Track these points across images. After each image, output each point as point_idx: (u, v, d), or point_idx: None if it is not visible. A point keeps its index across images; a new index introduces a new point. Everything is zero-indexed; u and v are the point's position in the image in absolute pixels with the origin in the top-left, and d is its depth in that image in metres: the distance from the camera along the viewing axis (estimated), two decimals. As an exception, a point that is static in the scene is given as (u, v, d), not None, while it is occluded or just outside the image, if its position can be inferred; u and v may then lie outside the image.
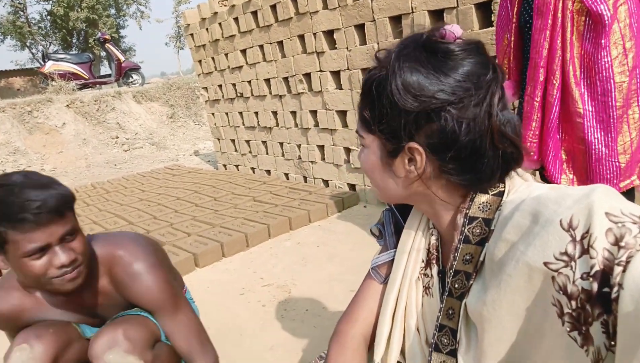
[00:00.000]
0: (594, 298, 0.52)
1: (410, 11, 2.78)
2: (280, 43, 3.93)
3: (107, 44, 11.50)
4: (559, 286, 0.55)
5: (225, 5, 4.55)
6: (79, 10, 21.72)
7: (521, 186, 0.69)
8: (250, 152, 4.95)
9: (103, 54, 17.92)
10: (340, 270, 2.50)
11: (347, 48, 3.31)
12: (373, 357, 0.89)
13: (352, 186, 3.71)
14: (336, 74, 3.51)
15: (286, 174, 4.48)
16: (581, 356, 0.54)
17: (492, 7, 2.38)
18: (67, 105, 8.62)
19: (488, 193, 0.70)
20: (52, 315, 1.19)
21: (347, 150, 3.63)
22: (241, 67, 4.53)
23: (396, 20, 2.93)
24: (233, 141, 5.19)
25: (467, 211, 0.71)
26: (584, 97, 1.40)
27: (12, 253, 1.00)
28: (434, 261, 0.81)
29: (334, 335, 0.93)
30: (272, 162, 4.62)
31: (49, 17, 22.97)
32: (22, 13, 22.16)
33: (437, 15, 2.71)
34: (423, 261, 0.83)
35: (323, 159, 3.93)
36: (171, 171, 5.66)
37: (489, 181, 0.69)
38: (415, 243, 0.84)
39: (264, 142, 4.67)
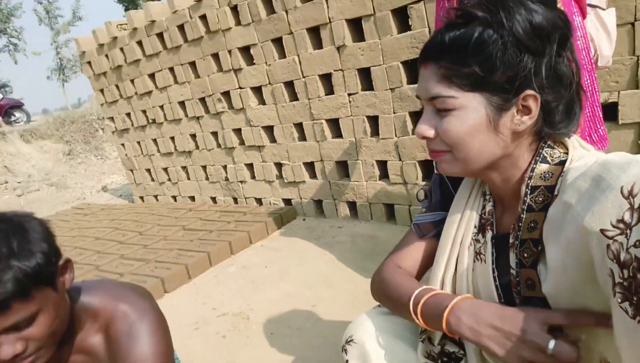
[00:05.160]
0: None
1: (328, 21, 2.82)
2: (193, 63, 3.79)
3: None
4: (613, 254, 0.55)
5: (124, 29, 4.30)
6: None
7: (585, 154, 0.70)
8: (169, 180, 4.68)
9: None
10: (294, 287, 2.43)
11: (266, 63, 3.27)
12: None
13: (288, 201, 3.65)
14: (257, 90, 3.45)
15: (213, 198, 4.31)
16: (633, 327, 0.53)
17: (408, 12, 2.49)
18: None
19: (549, 163, 0.72)
20: None
21: (278, 165, 3.57)
22: (150, 92, 4.29)
23: (314, 31, 2.96)
24: (148, 170, 4.88)
25: (529, 181, 0.72)
26: None
27: None
28: (488, 227, 0.81)
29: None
30: (196, 187, 4.41)
31: None
32: None
33: (355, 24, 2.78)
34: (475, 227, 0.83)
35: (253, 177, 3.83)
36: (81, 211, 5.17)
37: (564, 127, 0.72)
38: (467, 209, 0.84)
39: (183, 167, 4.45)
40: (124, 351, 0.96)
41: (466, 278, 0.82)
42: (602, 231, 0.56)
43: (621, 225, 0.54)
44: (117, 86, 4.64)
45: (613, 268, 0.55)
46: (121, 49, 4.31)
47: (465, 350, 0.88)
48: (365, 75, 2.82)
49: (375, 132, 2.91)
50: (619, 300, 0.54)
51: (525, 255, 0.71)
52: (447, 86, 0.69)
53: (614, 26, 1.44)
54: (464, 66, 0.68)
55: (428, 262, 0.95)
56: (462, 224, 0.84)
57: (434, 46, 0.72)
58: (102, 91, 4.86)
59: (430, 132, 0.74)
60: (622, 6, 1.90)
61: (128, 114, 4.72)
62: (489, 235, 0.80)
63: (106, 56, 4.51)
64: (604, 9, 1.38)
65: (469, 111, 0.69)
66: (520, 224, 0.72)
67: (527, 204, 0.72)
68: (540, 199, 0.70)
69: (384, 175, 2.99)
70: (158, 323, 1.01)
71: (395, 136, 2.77)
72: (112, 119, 4.97)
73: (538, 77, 0.67)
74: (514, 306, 0.76)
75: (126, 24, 4.23)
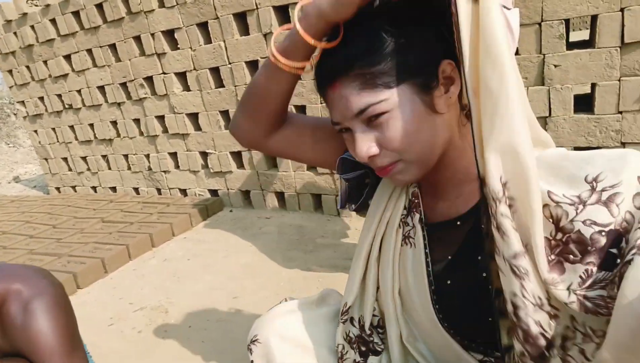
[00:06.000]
0: (590, 247, 0.52)
1: (255, 7, 2.76)
2: (113, 46, 3.56)
3: None
4: (551, 214, 0.56)
5: (36, 5, 3.96)
6: None
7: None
8: (88, 169, 4.40)
9: None
10: (218, 278, 2.37)
11: (191, 48, 3.15)
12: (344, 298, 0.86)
13: (214, 192, 3.55)
14: (182, 76, 3.31)
15: (136, 189, 4.10)
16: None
17: None
18: None
19: None
20: None
21: (204, 154, 3.46)
22: (66, 75, 3.99)
23: (241, 17, 2.88)
24: (65, 159, 4.55)
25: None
26: None
27: None
28: (414, 210, 0.78)
29: None
30: (117, 177, 4.17)
31: None
32: None
33: (282, 11, 2.74)
34: (405, 208, 0.79)
35: (177, 167, 3.68)
36: (-13, 204, 4.73)
37: None
38: (397, 188, 0.80)
39: (104, 156, 4.19)
40: (20, 330, 0.90)
41: (391, 262, 0.80)
42: (549, 192, 0.56)
43: (574, 199, 0.55)
44: (27, 68, 4.27)
45: (547, 223, 0.56)
46: (32, 27, 3.96)
47: (385, 345, 0.88)
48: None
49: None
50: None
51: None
52: (373, 92, 0.63)
53: (517, 26, 1.51)
54: (376, 64, 0.62)
55: (311, 136, 0.86)
56: (390, 203, 0.80)
57: (335, 64, 0.65)
58: (10, 72, 4.45)
59: (375, 149, 0.66)
60: (530, 7, 2.00)
61: (41, 98, 4.36)
62: (416, 218, 0.77)
63: (14, 33, 4.13)
64: (509, 9, 1.44)
65: (404, 105, 0.63)
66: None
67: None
68: None
69: (312, 165, 2.98)
70: (57, 298, 0.94)
71: (322, 126, 2.77)
72: (23, 103, 4.57)
73: (442, 43, 0.64)
74: (444, 295, 0.75)
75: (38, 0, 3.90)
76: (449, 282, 0.75)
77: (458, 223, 0.74)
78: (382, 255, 0.82)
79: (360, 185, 0.87)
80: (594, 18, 1.97)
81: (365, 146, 0.66)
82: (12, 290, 0.93)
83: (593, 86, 2.04)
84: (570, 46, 2.11)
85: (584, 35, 2.33)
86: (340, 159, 0.84)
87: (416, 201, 0.78)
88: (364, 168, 0.83)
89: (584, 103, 2.13)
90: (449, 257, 0.75)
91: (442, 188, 0.75)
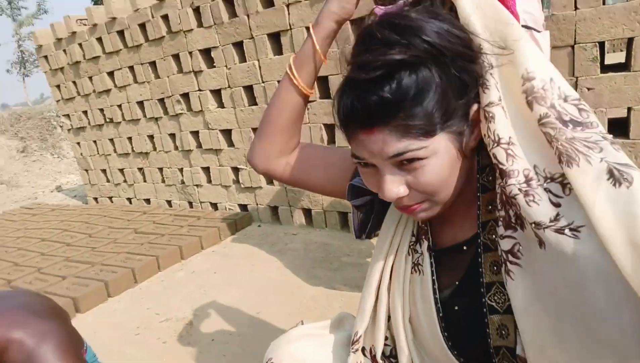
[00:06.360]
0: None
1: (289, 28, 2.83)
2: (153, 63, 3.72)
3: None
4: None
5: (84, 25, 4.18)
6: None
7: None
8: (125, 181, 4.56)
9: None
10: (242, 293, 2.39)
11: (226, 66, 3.25)
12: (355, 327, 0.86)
13: (244, 207, 3.61)
14: (217, 93, 3.42)
15: (168, 202, 4.22)
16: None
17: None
18: None
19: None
20: None
21: (235, 170, 3.54)
22: (109, 90, 4.18)
23: (275, 37, 2.96)
24: (104, 170, 4.74)
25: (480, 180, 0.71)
26: None
27: None
28: (423, 237, 0.78)
29: None
30: (152, 190, 4.31)
31: None
32: None
33: (315, 32, 2.79)
34: (413, 235, 0.79)
35: (209, 181, 3.78)
36: (29, 211, 4.96)
37: None
38: (405, 215, 0.80)
39: (140, 169, 4.34)
40: None
41: (402, 290, 0.79)
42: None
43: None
44: (74, 83, 4.50)
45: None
46: (80, 44, 4.20)
47: None
48: (323, 83, 2.83)
49: (332, 140, 2.92)
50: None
51: (497, 297, 0.68)
52: (412, 140, 0.59)
53: (547, 48, 1.49)
54: (418, 115, 0.59)
55: (321, 163, 0.90)
56: (399, 230, 0.80)
57: (372, 111, 0.59)
58: (58, 87, 4.70)
59: (403, 190, 0.64)
60: (563, 29, 1.98)
61: (85, 112, 4.58)
62: (424, 245, 0.77)
63: (64, 51, 4.38)
64: (539, 32, 1.44)
65: (441, 153, 0.61)
66: (480, 260, 0.70)
67: (481, 244, 0.71)
68: (493, 236, 0.70)
69: (340, 184, 2.99)
70: (63, 344, 0.89)
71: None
72: (68, 116, 4.82)
73: (472, 86, 0.63)
74: (453, 321, 0.75)
75: (86, 19, 4.12)
76: (456, 308, 0.74)
77: (464, 247, 0.73)
78: (392, 283, 0.81)
79: (369, 212, 0.88)
80: (630, 41, 1.92)
81: (396, 188, 0.64)
82: (13, 339, 0.87)
83: (629, 110, 1.98)
84: (605, 68, 2.07)
85: (621, 57, 2.27)
86: (349, 185, 0.85)
87: (425, 228, 0.78)
88: (371, 194, 0.83)
89: (619, 128, 2.07)
90: (457, 282, 0.74)
91: (448, 212, 0.74)
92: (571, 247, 0.54)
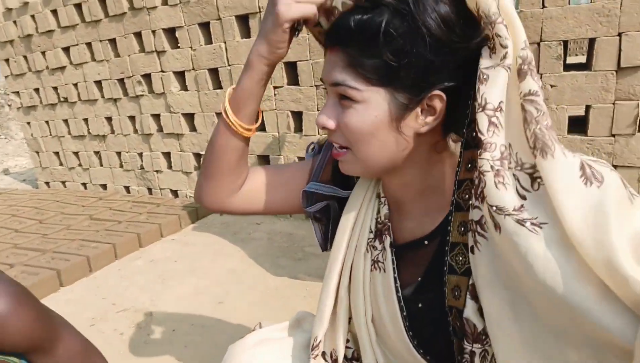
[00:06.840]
0: None
1: (258, 10, 2.76)
2: (113, 41, 3.54)
3: None
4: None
5: (37, -4, 3.93)
6: None
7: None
8: (80, 165, 4.35)
9: None
10: (204, 282, 2.33)
11: (191, 47, 3.13)
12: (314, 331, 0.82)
13: (205, 194, 3.52)
14: (180, 75, 3.30)
15: (127, 187, 4.06)
16: None
17: (336, 11, 2.48)
18: None
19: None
20: None
21: (197, 156, 3.44)
22: (64, 67, 3.96)
23: (243, 19, 2.87)
24: (57, 153, 4.50)
25: (456, 176, 0.67)
26: None
27: None
28: (385, 233, 0.75)
29: None
30: (109, 174, 4.13)
31: None
32: None
33: (284, 17, 2.73)
34: (371, 231, 0.77)
35: (170, 167, 3.65)
36: (-26, 194, 4.67)
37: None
38: (362, 211, 0.77)
39: (96, 152, 4.15)
40: None
41: (362, 289, 0.77)
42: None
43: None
44: (25, 58, 4.23)
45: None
46: (32, 16, 3.93)
47: None
48: (291, 69, 2.78)
49: (298, 128, 2.88)
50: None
51: (460, 259, 0.67)
52: (353, 76, 0.62)
53: None
54: (371, 56, 0.60)
55: (273, 186, 0.88)
56: (356, 227, 0.78)
57: (340, 30, 0.63)
58: (7, 61, 4.41)
59: (331, 124, 0.67)
60: (530, 26, 2.02)
61: (37, 90, 4.32)
62: (387, 241, 0.75)
63: (14, 22, 4.10)
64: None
65: (371, 106, 0.62)
66: (449, 227, 0.67)
67: (454, 202, 0.67)
68: (467, 196, 0.65)
69: (305, 173, 2.96)
70: (18, 297, 0.82)
71: (318, 133, 2.76)
72: (17, 93, 4.53)
73: (446, 75, 0.61)
74: (417, 319, 0.73)
75: (39, -10, 3.87)
76: (420, 305, 0.73)
77: (425, 242, 0.72)
78: (352, 283, 0.79)
79: (327, 221, 0.87)
80: (592, 41, 1.98)
81: (325, 117, 0.67)
82: None
83: (587, 108, 2.04)
84: (567, 67, 2.12)
85: (581, 60, 2.34)
86: (302, 192, 0.84)
87: (387, 224, 0.76)
88: (326, 200, 0.83)
89: (577, 124, 2.14)
90: (419, 279, 0.73)
91: (407, 207, 0.74)
92: (526, 240, 0.53)
